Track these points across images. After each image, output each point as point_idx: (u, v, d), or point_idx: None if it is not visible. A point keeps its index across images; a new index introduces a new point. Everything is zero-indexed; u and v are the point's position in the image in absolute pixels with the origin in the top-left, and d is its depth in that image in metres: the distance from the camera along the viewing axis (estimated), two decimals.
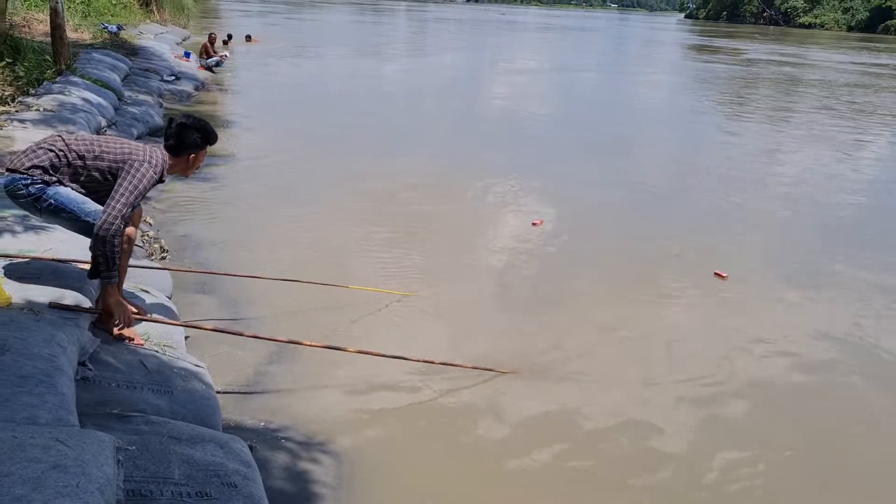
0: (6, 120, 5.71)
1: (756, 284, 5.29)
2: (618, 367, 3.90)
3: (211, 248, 5.03)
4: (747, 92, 18.09)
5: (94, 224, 2.74)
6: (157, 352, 3.03)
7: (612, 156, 9.64)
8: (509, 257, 5.45)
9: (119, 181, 2.77)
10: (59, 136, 2.90)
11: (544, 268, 5.33)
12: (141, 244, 4.51)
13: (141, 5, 18.87)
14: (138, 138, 7.56)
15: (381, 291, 4.50)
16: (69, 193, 2.81)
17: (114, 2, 16.40)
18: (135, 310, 3.32)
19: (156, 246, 4.82)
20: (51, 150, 2.81)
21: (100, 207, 2.82)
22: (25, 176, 2.76)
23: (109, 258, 2.73)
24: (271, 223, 5.75)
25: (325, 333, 3.95)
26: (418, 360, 3.51)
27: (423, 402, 3.40)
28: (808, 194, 8.13)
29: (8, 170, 2.81)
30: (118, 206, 2.71)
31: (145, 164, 2.82)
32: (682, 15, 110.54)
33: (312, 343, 3.22)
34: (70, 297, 2.85)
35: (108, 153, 2.85)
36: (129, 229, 2.91)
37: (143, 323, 3.19)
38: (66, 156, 2.82)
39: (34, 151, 2.83)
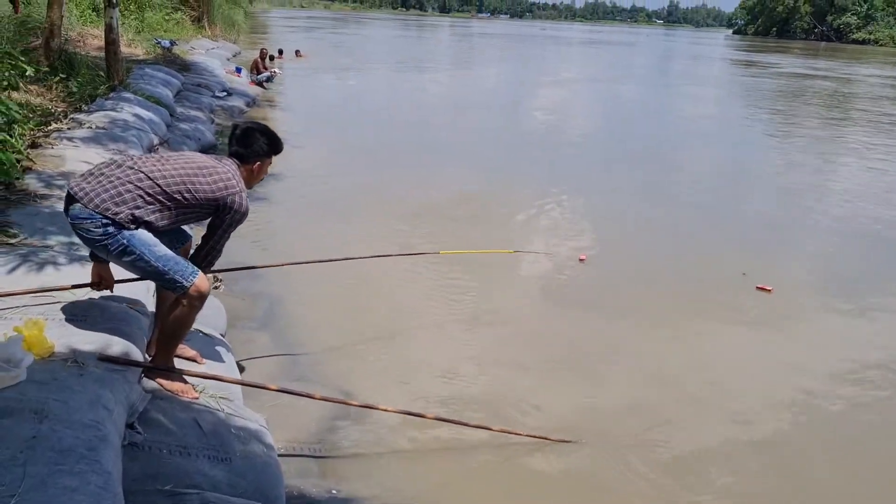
0: (57, 138, 5.50)
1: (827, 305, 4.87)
2: (690, 427, 3.41)
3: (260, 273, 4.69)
4: (792, 105, 17.37)
5: (163, 270, 2.48)
6: (212, 408, 2.67)
7: (657, 171, 9.33)
8: (558, 300, 4.89)
9: (221, 219, 2.65)
10: (142, 170, 2.49)
11: (597, 312, 4.73)
12: None
13: (193, 21, 19.04)
14: None
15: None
16: (143, 236, 2.47)
17: (166, 17, 16.52)
18: (192, 355, 3.00)
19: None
20: (138, 189, 2.45)
21: (169, 252, 2.51)
22: (107, 219, 2.41)
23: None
24: (318, 243, 5.41)
25: (391, 376, 3.57)
26: (501, 431, 3.09)
27: (505, 470, 3.00)
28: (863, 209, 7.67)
29: (80, 203, 2.42)
30: (219, 247, 2.77)
31: (242, 193, 2.64)
32: (730, 31, 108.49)
33: (388, 408, 2.83)
34: (118, 344, 2.51)
35: (201, 188, 2.54)
36: (202, 282, 2.57)
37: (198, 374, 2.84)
38: (152, 195, 2.47)
39: (117, 189, 2.43)
